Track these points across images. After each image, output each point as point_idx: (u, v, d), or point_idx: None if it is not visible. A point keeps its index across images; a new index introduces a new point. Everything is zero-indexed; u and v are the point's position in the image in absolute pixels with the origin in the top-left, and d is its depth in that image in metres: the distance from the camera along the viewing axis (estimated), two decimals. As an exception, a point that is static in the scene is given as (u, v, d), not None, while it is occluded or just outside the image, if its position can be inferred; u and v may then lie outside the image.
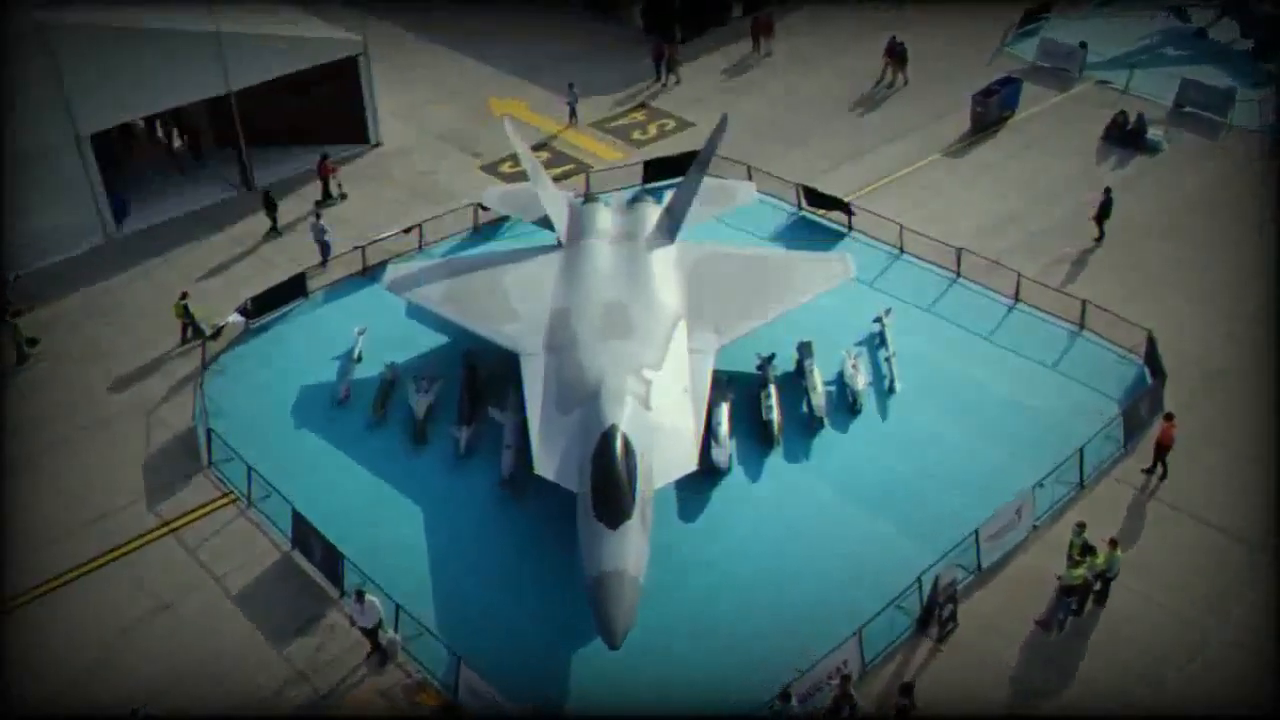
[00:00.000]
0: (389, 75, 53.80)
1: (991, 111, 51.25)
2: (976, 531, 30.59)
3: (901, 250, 42.76)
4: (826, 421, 35.09)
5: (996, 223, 44.75)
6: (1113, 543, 29.46)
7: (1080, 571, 29.26)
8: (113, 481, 33.90)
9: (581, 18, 62.67)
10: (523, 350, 33.89)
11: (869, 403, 35.89)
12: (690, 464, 30.82)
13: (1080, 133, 50.76)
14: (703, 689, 28.08)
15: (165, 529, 32.49)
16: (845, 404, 35.79)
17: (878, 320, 38.71)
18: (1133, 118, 50.06)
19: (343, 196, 47.30)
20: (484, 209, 44.11)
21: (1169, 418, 33.10)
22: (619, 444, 29.19)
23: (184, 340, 39.09)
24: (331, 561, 30.56)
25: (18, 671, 28.97)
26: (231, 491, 33.42)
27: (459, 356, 36.90)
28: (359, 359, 37.69)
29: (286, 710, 28.03)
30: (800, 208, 45.52)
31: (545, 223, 39.26)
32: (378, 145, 51.05)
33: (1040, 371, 37.16)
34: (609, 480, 28.56)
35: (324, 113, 49.44)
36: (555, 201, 39.56)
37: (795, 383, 36.29)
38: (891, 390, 36.32)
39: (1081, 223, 43.98)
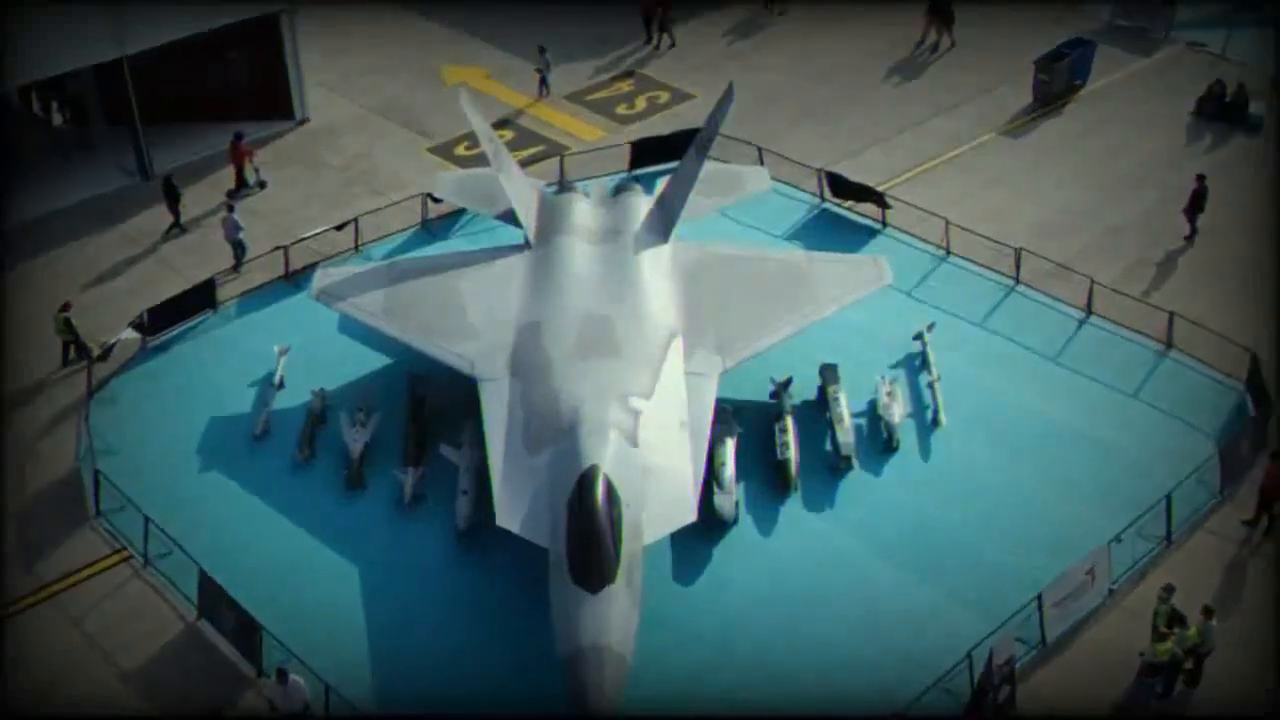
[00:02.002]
0: (318, 37, 54.02)
1: (1058, 81, 51.60)
2: (1039, 596, 30.70)
3: (948, 251, 43.02)
4: (855, 461, 35.25)
5: (1064, 217, 45.02)
6: (1207, 611, 29.57)
7: (1168, 646, 29.35)
8: (-23, 536, 33.97)
9: (555, -34, 63.26)
10: (482, 374, 33.97)
11: (908, 438, 36.06)
12: (688, 514, 30.86)
13: (1167, 107, 51.14)
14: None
15: (42, 594, 32.44)
16: (878, 440, 35.98)
17: (918, 337, 38.93)
18: (1231, 88, 50.42)
19: (261, 185, 47.44)
20: (435, 200, 44.25)
21: (1276, 457, 33.30)
22: (600, 490, 29.22)
23: (66, 362, 39.14)
24: (247, 634, 30.55)
25: None
26: (124, 548, 33.39)
27: (403, 382, 37.03)
28: (281, 385, 37.76)
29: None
30: (824, 199, 45.78)
31: (510, 217, 39.38)
32: (304, 122, 51.22)
33: (1118, 400, 37.37)
34: (588, 535, 28.58)
35: (239, 83, 49.60)
36: (522, 191, 39.70)
37: (817, 414, 36.49)
38: (935, 423, 36.52)
39: (1169, 217, 44.30)
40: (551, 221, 38.45)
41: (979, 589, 31.82)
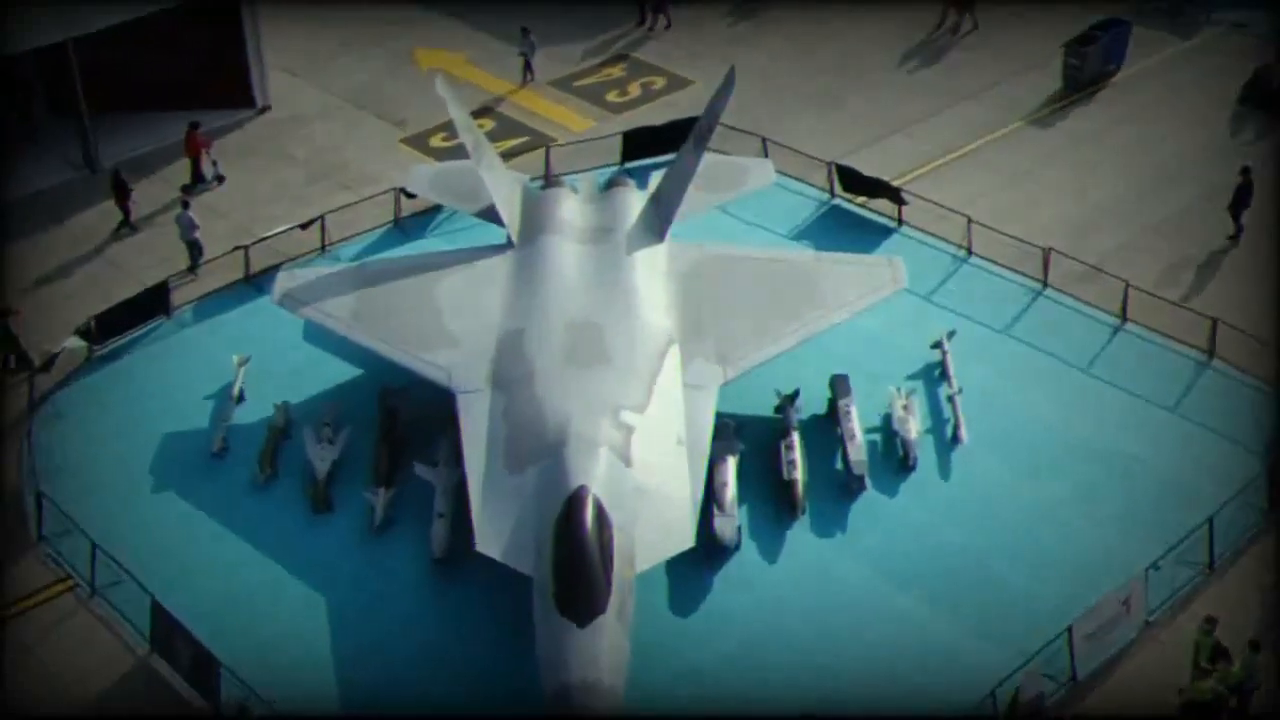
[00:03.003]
0: (281, 18, 54.07)
1: (1090, 65, 51.72)
2: (1070, 629, 30.75)
3: (969, 252, 43.15)
4: (868, 482, 35.32)
5: (1096, 215, 45.12)
6: (1253, 645, 29.60)
7: (1210, 684, 29.36)
8: (-93, 563, 33.98)
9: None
10: (460, 386, 34.04)
11: (925, 457, 36.13)
12: (685, 539, 30.91)
13: (1209, 93, 51.24)
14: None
15: (-21, 627, 32.55)
16: (893, 458, 36.06)
17: (937, 346, 39.02)
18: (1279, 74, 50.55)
19: (219, 179, 47.49)
20: (409, 196, 44.26)
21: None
22: (589, 513, 29.25)
23: (4, 373, 39.18)
24: (203, 669, 30.52)
25: None
26: (69, 576, 33.42)
27: (374, 395, 37.09)
28: (240, 398, 37.83)
29: None
30: (833, 194, 45.90)
31: (490, 214, 39.44)
32: (265, 110, 51.27)
33: (1156, 414, 37.47)
34: (576, 562, 28.62)
35: (194, 67, 49.61)
36: (504, 186, 39.76)
37: (826, 430, 36.58)
38: (955, 440, 36.62)
39: (1211, 214, 44.41)
40: (536, 219, 38.51)
41: (1003, 621, 31.87)
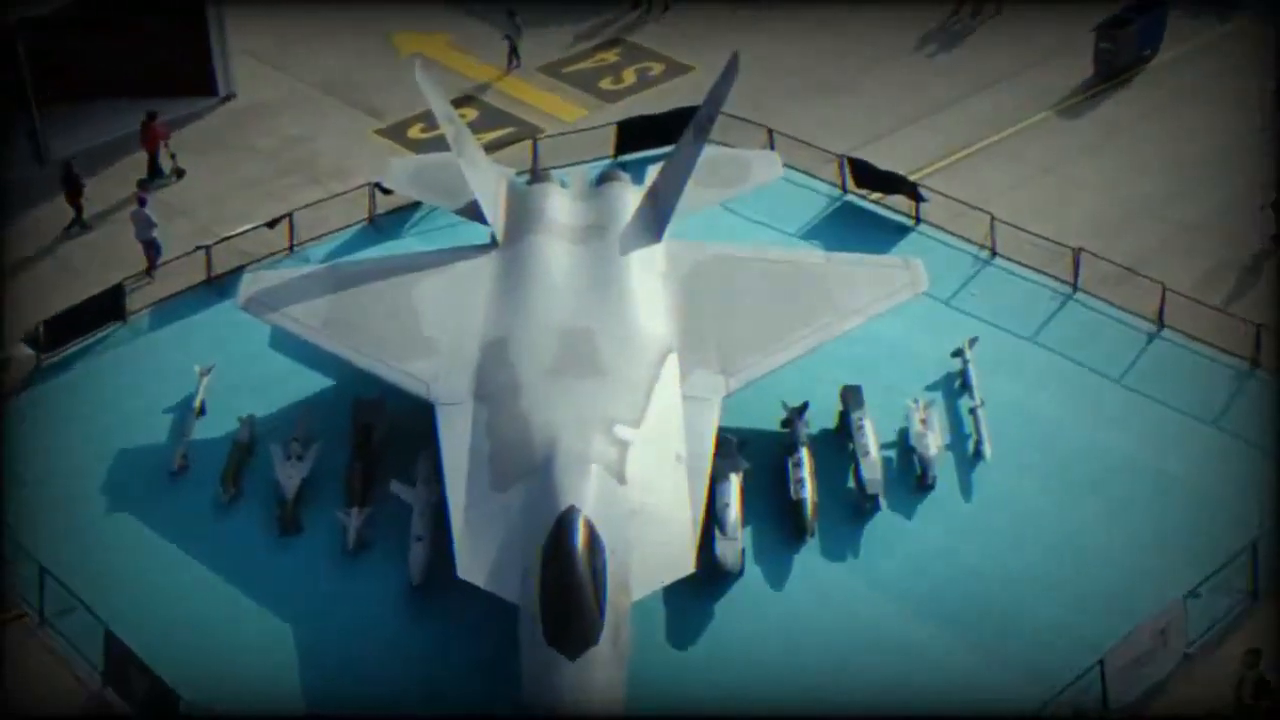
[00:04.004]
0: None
1: (1124, 51, 51.81)
2: (1102, 661, 30.74)
3: (993, 252, 43.24)
4: (884, 501, 35.35)
5: (1130, 212, 45.18)
6: (1300, 678, 29.70)
7: (1253, 720, 29.50)
8: None
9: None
10: (440, 398, 34.10)
11: (945, 474, 36.17)
12: (685, 564, 30.91)
13: (1251, 81, 51.29)
14: None
15: (-82, 659, 32.53)
16: (911, 476, 36.10)
17: (958, 354, 39.09)
18: (1326, 60, 50.75)
19: (179, 173, 47.55)
20: (385, 192, 44.43)
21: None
22: (580, 536, 29.22)
23: (-55, 384, 39.25)
24: (161, 703, 30.55)
25: None
26: (17, 604, 33.38)
27: (347, 407, 37.12)
28: (202, 411, 37.87)
29: None
30: (845, 189, 45.99)
31: (473, 212, 39.50)
32: (229, 99, 51.32)
33: (1195, 428, 37.50)
34: (566, 589, 28.59)
35: (151, 52, 49.62)
36: (488, 181, 39.85)
37: (838, 445, 36.62)
38: (978, 456, 36.65)
39: (1254, 212, 44.49)
40: (523, 217, 38.59)
41: (1030, 651, 31.84)
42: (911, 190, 44.70)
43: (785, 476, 35.22)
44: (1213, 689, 30.98)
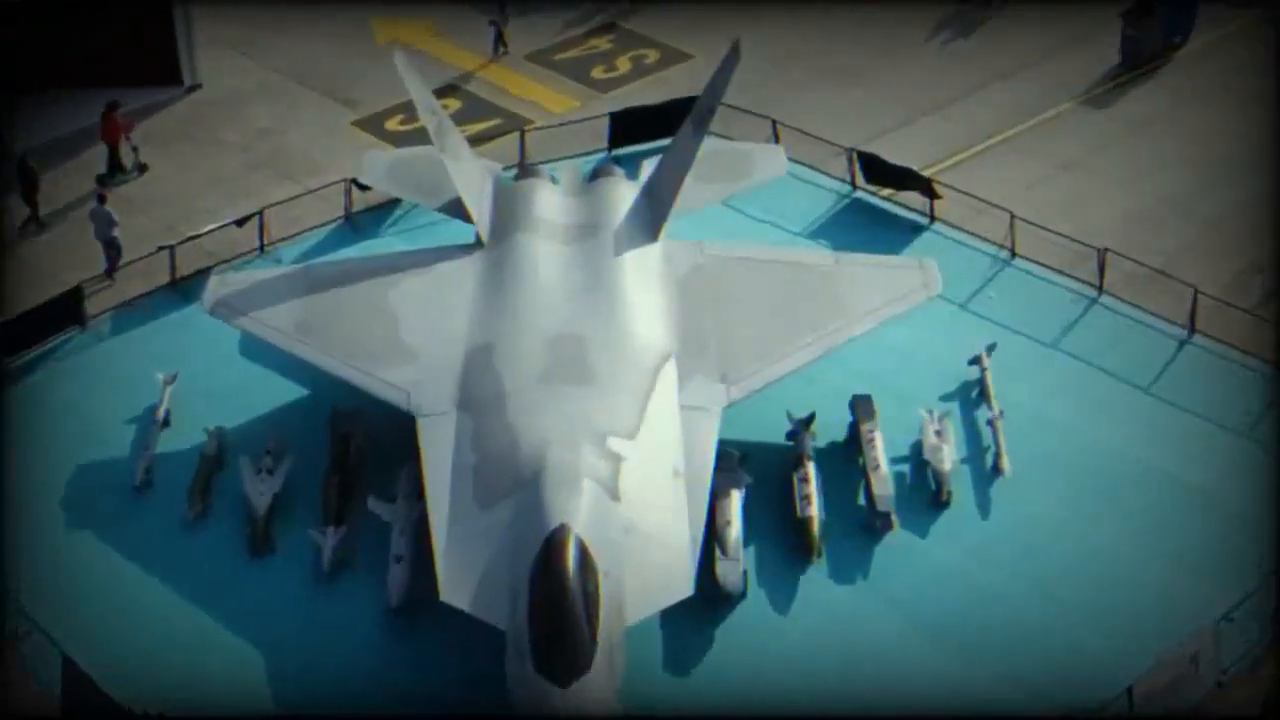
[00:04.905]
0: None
1: (1150, 38, 51.88)
2: (1129, 689, 30.77)
3: (1013, 252, 43.30)
4: (896, 519, 35.39)
5: (1159, 210, 45.23)
6: (1340, 708, 29.78)
7: (1290, 753, 29.57)
8: None
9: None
10: (422, 408, 34.15)
11: (961, 490, 36.23)
12: (683, 587, 30.93)
13: (1287, 70, 51.48)
14: None
15: None
16: (925, 493, 36.16)
17: (975, 362, 39.15)
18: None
19: (141, 168, 47.59)
20: (362, 188, 44.46)
21: None
22: (571, 556, 29.22)
23: (-109, 393, 39.27)
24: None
25: None
26: (-33, 630, 33.48)
27: (321, 419, 37.15)
28: (166, 422, 37.87)
29: None
30: (855, 185, 46.06)
31: (456, 209, 39.56)
32: (195, 89, 51.32)
33: (1227, 440, 37.52)
34: (557, 613, 28.59)
35: (112, 40, 49.64)
36: (472, 177, 39.86)
37: (847, 459, 36.67)
38: (997, 471, 36.69)
39: (1289, 209, 44.64)
40: (509, 215, 38.64)
41: (1053, 678, 31.81)
42: (926, 186, 44.76)
43: (791, 492, 35.25)
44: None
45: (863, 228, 44.40)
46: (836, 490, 35.83)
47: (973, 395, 38.67)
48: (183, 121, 49.94)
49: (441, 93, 48.99)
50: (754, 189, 42.99)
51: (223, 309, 37.29)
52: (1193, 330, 40.45)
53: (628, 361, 34.39)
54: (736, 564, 33.37)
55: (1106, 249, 41.98)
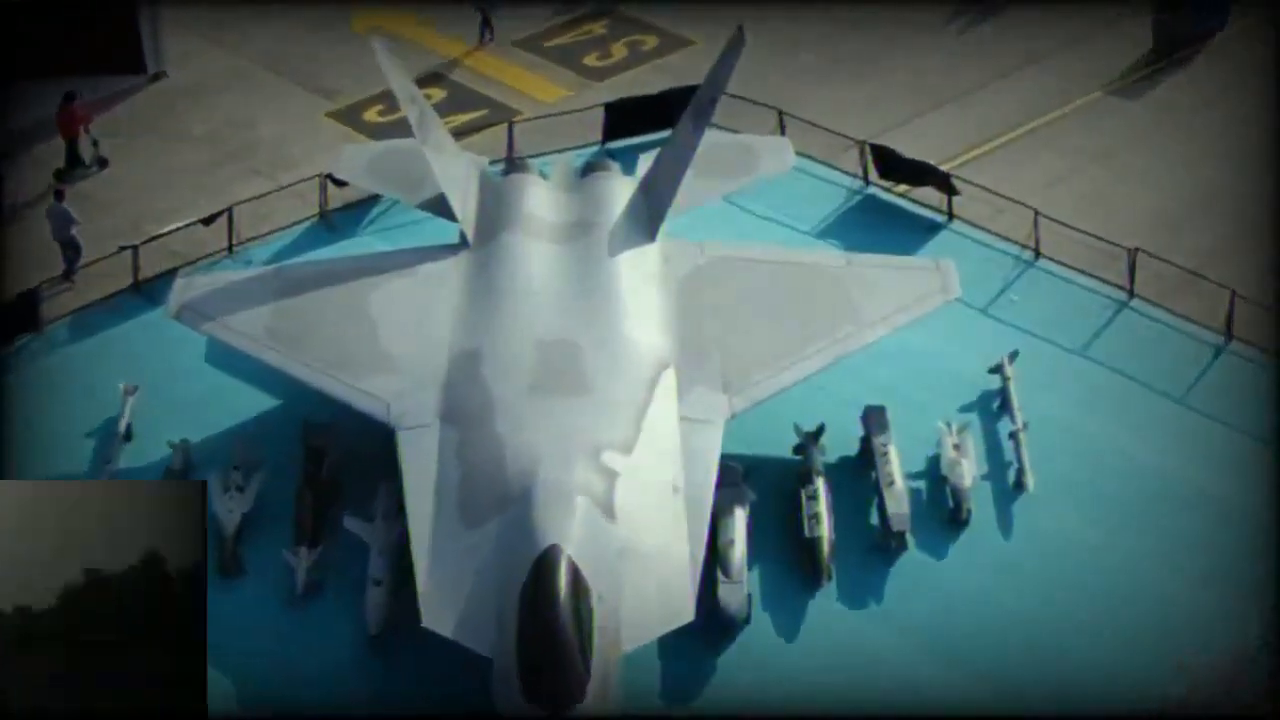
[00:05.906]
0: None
1: (1184, 22, 51.97)
2: (1161, 717, 30.90)
3: (1036, 253, 43.40)
4: (911, 539, 35.48)
5: (1193, 207, 45.31)
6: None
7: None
8: None
9: None
10: (402, 420, 34.20)
11: (981, 508, 36.29)
12: (683, 611, 30.99)
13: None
14: None
15: None
16: (942, 510, 36.23)
17: (997, 370, 39.21)
18: None
19: (101, 163, 47.64)
20: (338, 184, 44.55)
21: None
22: (563, 579, 29.29)
23: None
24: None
25: None
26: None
27: (294, 431, 37.22)
28: (128, 435, 37.94)
29: None
30: (868, 181, 46.17)
31: (439, 206, 39.61)
32: (159, 77, 51.38)
33: (1264, 454, 37.54)
34: (547, 639, 28.66)
35: (70, 25, 49.69)
36: (457, 171, 39.91)
37: (859, 475, 36.75)
38: (1019, 487, 36.78)
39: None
40: (497, 212, 38.72)
41: (1080, 705, 31.88)
42: (944, 182, 44.84)
43: (798, 511, 35.29)
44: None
45: (876, 226, 44.51)
46: (847, 508, 35.88)
47: (994, 406, 38.77)
48: (146, 112, 49.99)
49: (424, 82, 48.99)
50: (759, 185, 43.07)
51: (189, 313, 37.30)
52: (1229, 336, 40.56)
53: (623, 370, 34.47)
54: (740, 587, 33.38)
55: (1137, 249, 42.03)
